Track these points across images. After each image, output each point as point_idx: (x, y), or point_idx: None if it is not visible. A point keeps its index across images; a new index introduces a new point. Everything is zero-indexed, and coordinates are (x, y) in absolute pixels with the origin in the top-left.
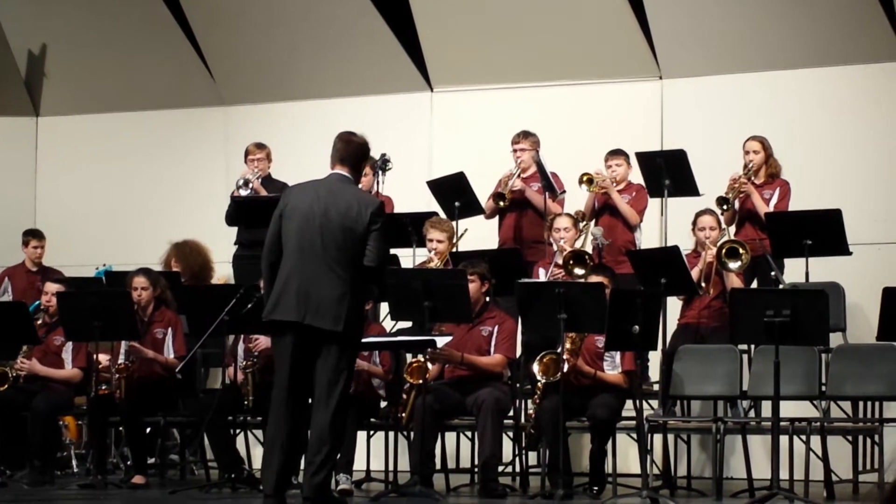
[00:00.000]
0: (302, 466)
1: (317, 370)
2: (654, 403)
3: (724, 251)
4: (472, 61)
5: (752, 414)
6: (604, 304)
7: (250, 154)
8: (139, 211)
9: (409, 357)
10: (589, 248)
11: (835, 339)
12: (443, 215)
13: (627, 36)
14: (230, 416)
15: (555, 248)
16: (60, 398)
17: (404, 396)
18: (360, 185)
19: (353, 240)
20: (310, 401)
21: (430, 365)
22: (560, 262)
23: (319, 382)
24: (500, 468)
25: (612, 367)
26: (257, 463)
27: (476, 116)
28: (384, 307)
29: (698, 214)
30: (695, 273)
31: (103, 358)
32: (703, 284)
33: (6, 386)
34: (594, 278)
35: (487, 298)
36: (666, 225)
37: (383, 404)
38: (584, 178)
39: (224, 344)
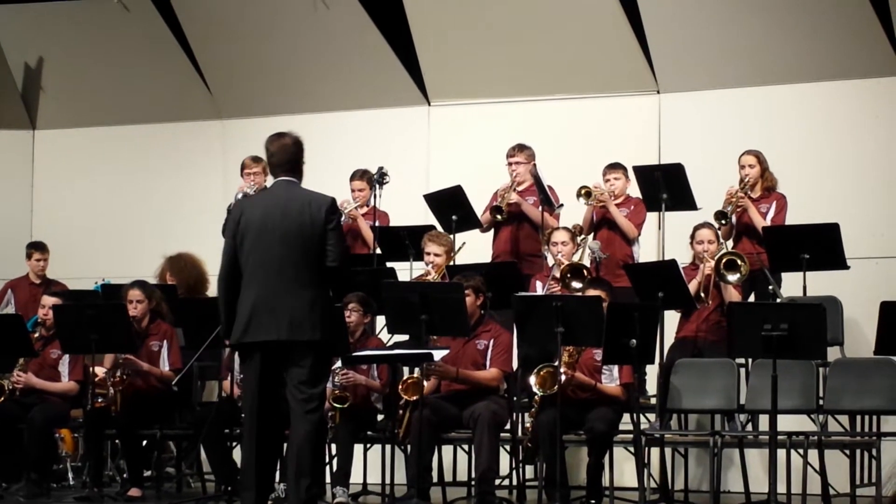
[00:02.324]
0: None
1: (292, 381)
2: (652, 417)
3: (722, 263)
4: (469, 75)
5: (749, 428)
6: (601, 318)
7: (247, 167)
8: (136, 224)
9: (405, 372)
10: (586, 262)
11: (832, 353)
12: (440, 229)
13: (625, 50)
14: (226, 428)
15: (552, 261)
16: (57, 411)
17: (399, 412)
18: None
19: (312, 244)
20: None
21: (425, 381)
22: (558, 275)
23: (294, 395)
24: (497, 481)
25: (610, 381)
26: None
27: (473, 130)
28: (381, 320)
29: (696, 228)
30: (693, 286)
31: (100, 371)
32: (702, 295)
33: (2, 399)
34: (591, 292)
35: (483, 312)
36: (663, 239)
37: (380, 417)
38: (583, 192)
39: (220, 357)
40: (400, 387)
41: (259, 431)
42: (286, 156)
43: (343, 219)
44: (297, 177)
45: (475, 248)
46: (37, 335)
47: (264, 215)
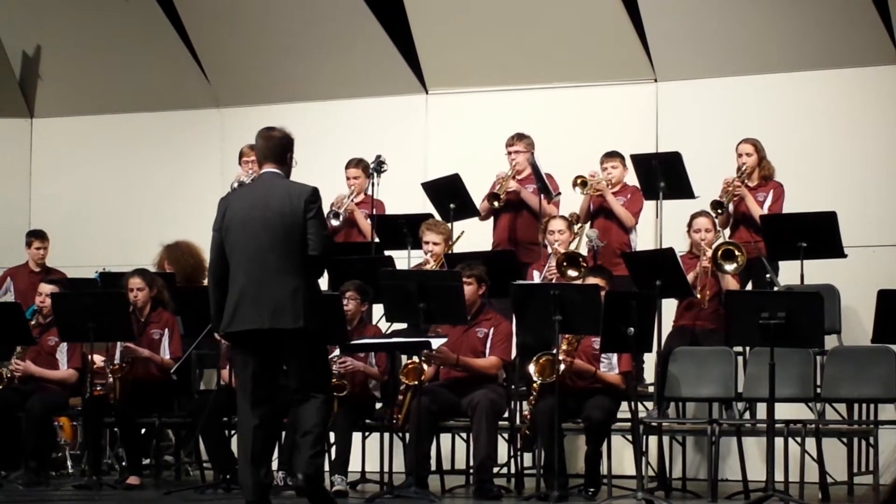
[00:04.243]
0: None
1: (289, 370)
2: (650, 405)
3: (719, 253)
4: (466, 63)
5: (747, 416)
6: (598, 306)
7: (245, 156)
8: (134, 212)
9: (404, 358)
10: (583, 250)
11: (830, 342)
12: (438, 217)
13: (622, 38)
14: (225, 417)
15: (549, 250)
16: (55, 399)
17: (400, 397)
18: (291, 177)
19: (293, 233)
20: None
21: (425, 366)
22: (554, 264)
23: (294, 379)
24: (495, 469)
25: (609, 369)
26: None
27: (471, 118)
28: (378, 309)
29: (693, 217)
30: (691, 277)
31: (98, 359)
32: (698, 296)
33: (1, 387)
34: (592, 280)
35: (483, 301)
36: (661, 227)
37: (378, 405)
38: (578, 181)
39: (219, 346)
40: (402, 371)
41: (257, 419)
42: (272, 148)
43: (343, 215)
44: (283, 169)
45: (473, 236)
46: (34, 322)
47: (247, 207)
